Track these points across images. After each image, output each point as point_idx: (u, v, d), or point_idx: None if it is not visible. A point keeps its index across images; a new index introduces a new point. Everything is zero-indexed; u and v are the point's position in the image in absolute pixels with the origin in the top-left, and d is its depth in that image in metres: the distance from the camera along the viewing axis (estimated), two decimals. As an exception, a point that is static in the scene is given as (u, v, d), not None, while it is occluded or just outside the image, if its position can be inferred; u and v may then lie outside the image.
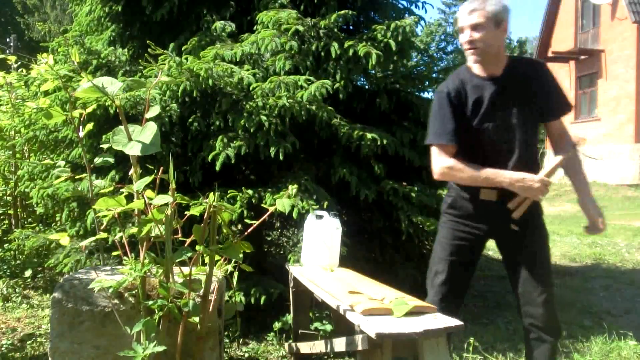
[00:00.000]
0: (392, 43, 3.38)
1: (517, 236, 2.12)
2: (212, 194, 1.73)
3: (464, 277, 2.24)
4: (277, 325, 3.14)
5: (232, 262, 1.97)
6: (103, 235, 1.74)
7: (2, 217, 5.02)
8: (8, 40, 19.11)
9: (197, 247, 1.69)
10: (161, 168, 1.61)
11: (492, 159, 2.08)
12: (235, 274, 2.06)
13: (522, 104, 2.06)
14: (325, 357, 2.82)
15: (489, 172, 2.06)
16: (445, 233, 2.25)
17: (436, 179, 2.16)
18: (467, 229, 2.19)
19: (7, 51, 14.75)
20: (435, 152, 2.12)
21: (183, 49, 3.66)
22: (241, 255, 1.71)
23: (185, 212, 1.77)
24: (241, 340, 3.16)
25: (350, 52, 3.37)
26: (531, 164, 2.10)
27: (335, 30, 3.54)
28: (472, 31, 2.01)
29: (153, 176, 1.61)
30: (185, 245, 1.71)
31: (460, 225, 2.21)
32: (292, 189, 1.92)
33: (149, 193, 1.62)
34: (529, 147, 2.10)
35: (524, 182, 2.01)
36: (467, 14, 2.02)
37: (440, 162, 2.10)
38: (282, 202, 1.82)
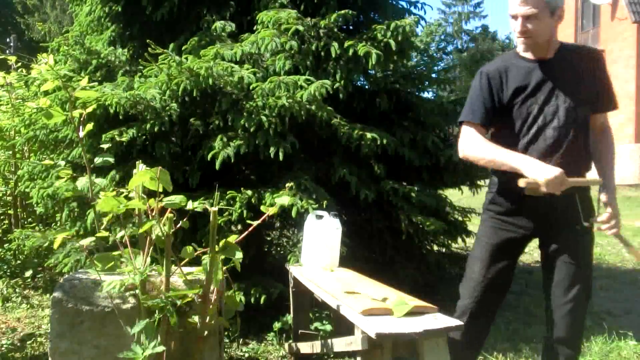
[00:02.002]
0: (392, 43, 3.38)
1: (563, 237, 2.01)
2: (215, 195, 1.72)
3: (503, 278, 2.10)
4: (277, 325, 3.13)
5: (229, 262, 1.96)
6: (103, 234, 1.74)
7: (2, 217, 5.02)
8: (8, 40, 19.10)
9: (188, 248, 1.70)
10: (159, 168, 1.61)
11: (539, 145, 2.00)
12: (222, 275, 2.05)
13: (570, 88, 1.98)
14: (325, 357, 2.82)
15: (504, 153, 1.97)
16: (486, 231, 2.13)
17: (460, 157, 2.11)
18: (510, 227, 2.07)
19: (7, 51, 14.74)
20: (462, 130, 2.10)
21: (183, 48, 3.66)
22: (241, 256, 1.70)
23: (188, 211, 1.77)
24: (241, 340, 3.16)
25: (350, 52, 3.37)
26: (580, 151, 1.99)
27: (335, 30, 3.54)
28: (524, 21, 1.92)
29: (150, 173, 1.59)
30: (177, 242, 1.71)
31: (502, 224, 2.08)
32: (289, 186, 1.92)
33: (150, 201, 1.62)
34: (578, 132, 1.98)
35: (538, 167, 1.88)
36: (519, 3, 1.91)
37: (462, 140, 2.08)
38: (281, 200, 1.82)
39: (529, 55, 2.03)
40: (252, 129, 3.15)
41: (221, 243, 1.69)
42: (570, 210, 1.98)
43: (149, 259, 1.68)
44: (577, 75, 1.98)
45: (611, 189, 2.00)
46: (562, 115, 1.97)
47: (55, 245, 1.72)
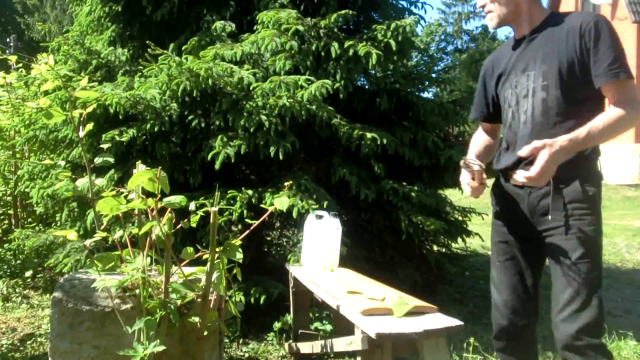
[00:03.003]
0: (392, 43, 3.38)
1: (551, 232, 1.72)
2: (215, 195, 1.72)
3: (522, 286, 1.85)
4: (277, 325, 3.14)
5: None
6: (103, 234, 1.74)
7: (2, 217, 5.02)
8: (8, 40, 19.09)
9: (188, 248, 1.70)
10: (159, 168, 1.61)
11: (514, 132, 1.80)
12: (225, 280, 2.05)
13: (545, 65, 1.71)
14: (325, 357, 2.82)
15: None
16: (491, 233, 1.95)
17: None
18: (504, 224, 1.89)
19: (7, 51, 14.74)
20: None
21: (183, 49, 3.66)
22: (241, 257, 1.70)
23: (189, 211, 1.77)
24: (241, 340, 3.16)
25: (351, 52, 3.37)
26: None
27: (335, 30, 3.54)
28: None
29: (149, 173, 1.59)
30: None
31: (496, 222, 1.92)
32: (288, 185, 1.91)
33: (150, 200, 1.61)
34: (557, 117, 1.69)
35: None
36: None
37: None
38: (281, 200, 1.82)
39: (515, 36, 1.85)
40: (252, 129, 3.15)
41: (225, 244, 1.68)
42: (543, 207, 1.74)
43: (148, 259, 1.68)
44: (559, 49, 1.69)
45: (566, 137, 1.60)
46: (531, 97, 1.74)
47: (72, 238, 1.71)
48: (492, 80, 1.93)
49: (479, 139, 2.07)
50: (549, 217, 1.70)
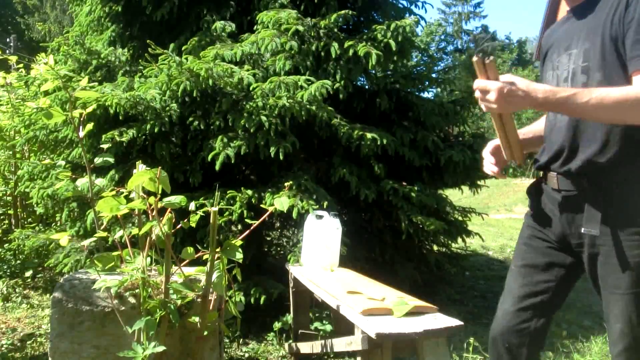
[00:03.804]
0: (392, 43, 3.38)
1: (589, 250, 1.46)
2: (215, 195, 1.72)
3: (529, 300, 1.60)
4: (277, 325, 3.14)
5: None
6: (103, 234, 1.74)
7: (2, 217, 5.02)
8: (8, 40, 19.10)
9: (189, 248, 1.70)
10: (159, 168, 1.61)
11: (551, 123, 1.54)
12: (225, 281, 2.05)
13: (587, 43, 1.41)
14: (325, 357, 2.82)
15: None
16: (520, 232, 1.70)
17: None
18: (533, 228, 1.64)
19: (7, 51, 14.74)
20: None
21: (183, 49, 3.66)
22: (241, 257, 1.70)
23: (189, 211, 1.77)
24: (241, 340, 3.16)
25: (350, 52, 3.37)
26: (596, 131, 1.39)
27: (335, 30, 3.54)
28: None
29: (149, 174, 1.59)
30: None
31: (528, 224, 1.67)
32: (288, 185, 1.90)
33: (150, 199, 1.61)
34: None
35: None
36: None
37: None
38: (281, 201, 1.82)
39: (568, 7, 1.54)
40: (252, 129, 3.15)
41: (225, 244, 1.68)
42: (580, 218, 1.45)
43: (148, 259, 1.68)
44: (605, 22, 1.37)
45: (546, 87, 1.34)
46: (570, 82, 1.45)
47: (63, 243, 1.71)
48: (544, 59, 1.63)
49: (536, 124, 1.72)
50: (582, 230, 1.43)
